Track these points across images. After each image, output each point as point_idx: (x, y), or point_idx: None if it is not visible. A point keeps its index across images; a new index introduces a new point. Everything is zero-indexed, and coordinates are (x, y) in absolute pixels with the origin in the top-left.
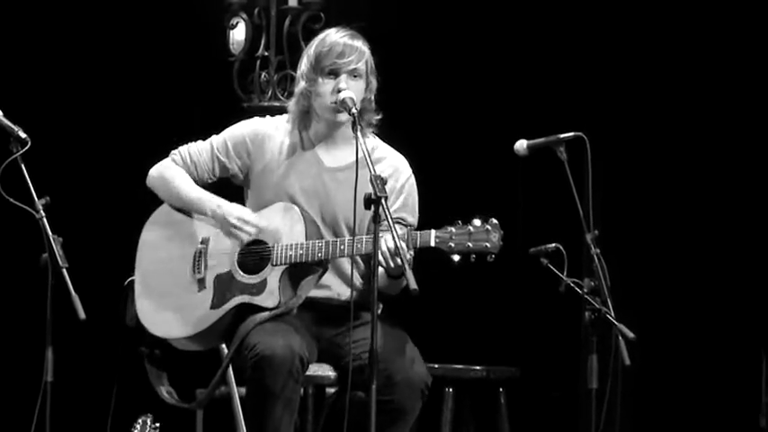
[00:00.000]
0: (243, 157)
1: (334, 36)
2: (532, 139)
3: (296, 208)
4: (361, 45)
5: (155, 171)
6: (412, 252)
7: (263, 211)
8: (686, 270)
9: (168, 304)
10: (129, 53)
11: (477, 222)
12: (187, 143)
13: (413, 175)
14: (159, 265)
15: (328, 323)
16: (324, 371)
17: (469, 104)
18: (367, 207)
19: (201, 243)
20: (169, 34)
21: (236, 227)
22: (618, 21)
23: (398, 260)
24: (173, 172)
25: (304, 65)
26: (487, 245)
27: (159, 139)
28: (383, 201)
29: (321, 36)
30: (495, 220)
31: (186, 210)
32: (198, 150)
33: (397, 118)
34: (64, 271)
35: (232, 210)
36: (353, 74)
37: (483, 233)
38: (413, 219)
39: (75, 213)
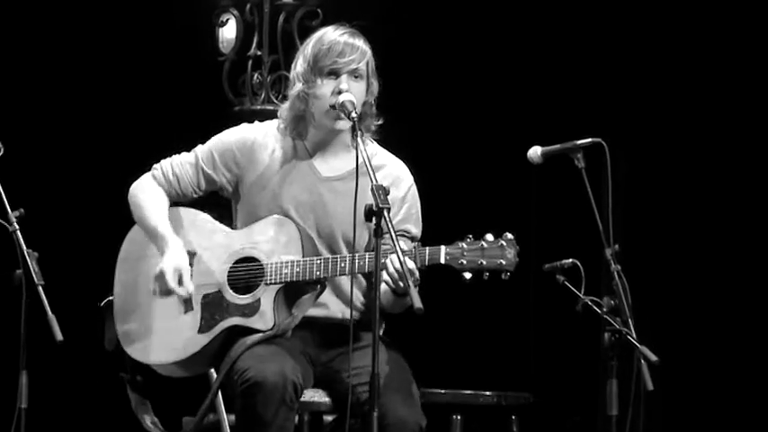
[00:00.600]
0: (231, 168)
1: (333, 34)
2: (547, 146)
3: (291, 222)
4: (362, 44)
5: (132, 189)
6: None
7: (254, 225)
8: (714, 288)
9: (151, 327)
10: (109, 53)
11: (490, 237)
12: (171, 154)
13: (414, 184)
14: (140, 284)
15: (325, 345)
16: (320, 397)
17: (478, 108)
18: (368, 219)
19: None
20: (153, 32)
21: (161, 275)
22: (640, 16)
23: (404, 278)
24: (146, 195)
25: (300, 65)
26: (502, 262)
27: (142, 147)
28: (385, 212)
29: (318, 34)
30: (510, 235)
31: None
32: (181, 163)
33: (398, 122)
34: (40, 289)
35: (169, 259)
36: (354, 74)
37: (497, 249)
38: (417, 230)
39: (52, 227)
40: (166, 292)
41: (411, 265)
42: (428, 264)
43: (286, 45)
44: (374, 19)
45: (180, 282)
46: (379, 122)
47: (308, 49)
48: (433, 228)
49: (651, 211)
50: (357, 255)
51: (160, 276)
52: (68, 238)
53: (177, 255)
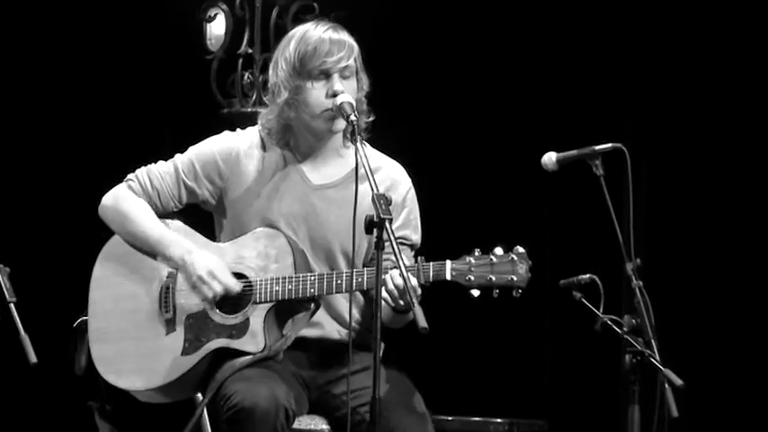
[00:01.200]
0: (214, 179)
1: (316, 32)
2: (563, 152)
3: (281, 234)
4: (348, 39)
5: (108, 200)
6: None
7: (241, 239)
8: (745, 307)
9: (130, 350)
10: (85, 50)
11: (499, 251)
12: (150, 162)
13: (413, 187)
14: (118, 304)
15: (321, 367)
16: (316, 424)
17: (487, 108)
18: (368, 231)
19: (168, 276)
20: (135, 28)
21: (202, 280)
22: (662, 14)
23: (407, 297)
24: (129, 203)
25: (282, 70)
26: (513, 278)
27: (120, 153)
28: (387, 224)
29: (298, 34)
30: (521, 249)
31: (144, 251)
32: (160, 174)
33: (398, 122)
34: (12, 306)
35: (203, 261)
36: (344, 73)
37: (507, 264)
38: (417, 237)
39: (24, 240)
40: (216, 292)
41: (414, 282)
42: (432, 280)
43: (279, 42)
44: (374, 11)
45: (224, 282)
46: (371, 119)
47: (288, 51)
48: (437, 240)
49: (676, 221)
50: (355, 271)
51: (208, 276)
52: (42, 252)
53: (210, 255)
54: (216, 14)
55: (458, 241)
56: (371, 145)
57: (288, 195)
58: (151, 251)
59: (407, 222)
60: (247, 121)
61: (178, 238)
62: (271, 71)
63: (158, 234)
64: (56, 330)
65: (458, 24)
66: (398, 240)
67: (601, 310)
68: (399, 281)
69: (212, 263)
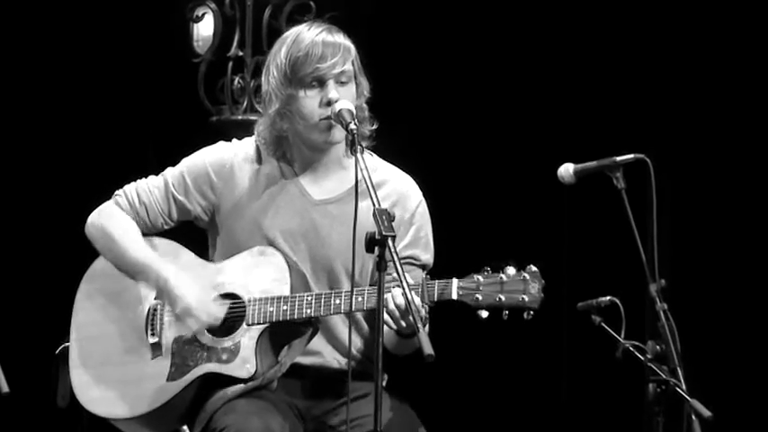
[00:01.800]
0: (206, 194)
1: (309, 35)
2: (581, 163)
3: (277, 252)
4: (343, 41)
5: (94, 219)
6: (427, 307)
7: (234, 257)
8: None
9: (113, 376)
10: (59, 55)
11: (511, 270)
12: (135, 177)
13: (424, 201)
14: (101, 328)
15: (317, 397)
16: None
17: (500, 117)
18: (369, 250)
19: (157, 297)
20: (115, 28)
21: (187, 312)
22: (685, 22)
23: (410, 319)
24: (114, 222)
25: (273, 77)
26: (525, 298)
27: (102, 168)
28: (390, 241)
29: (290, 38)
30: (534, 268)
31: (128, 275)
32: (148, 189)
33: (404, 132)
34: None
35: (182, 292)
36: (341, 78)
37: (519, 283)
38: (427, 256)
39: (1, 261)
40: (201, 326)
41: (418, 301)
42: (438, 299)
43: (272, 44)
44: (381, 9)
45: (209, 314)
46: (374, 127)
47: (279, 57)
48: (444, 257)
49: (703, 239)
50: (355, 290)
51: (185, 313)
52: (22, 273)
53: (189, 284)
54: (203, 14)
55: (466, 258)
56: (378, 155)
57: (286, 211)
58: (134, 275)
59: (416, 240)
60: (238, 129)
61: (159, 265)
62: (263, 78)
63: (141, 258)
64: (36, 358)
65: (470, 25)
66: (407, 260)
67: (622, 335)
68: (401, 300)
69: (194, 294)
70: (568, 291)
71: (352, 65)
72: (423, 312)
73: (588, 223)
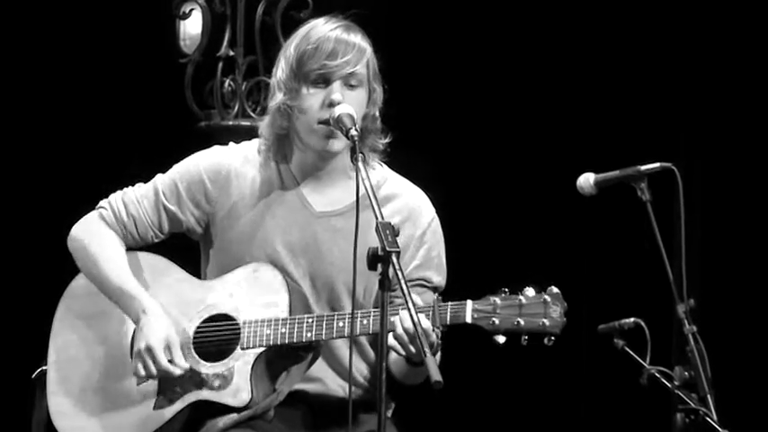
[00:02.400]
0: (200, 203)
1: (323, 29)
2: (602, 173)
3: (273, 269)
4: (359, 41)
5: (75, 231)
6: (439, 332)
7: (228, 275)
8: None
9: (94, 402)
10: (37, 53)
11: (530, 292)
12: (121, 186)
13: (437, 218)
14: (82, 350)
15: (318, 428)
16: None
17: (517, 126)
18: (372, 267)
19: (135, 323)
20: (94, 27)
21: (140, 355)
22: (713, 26)
23: (418, 344)
24: (96, 238)
25: (281, 70)
26: (545, 322)
27: (85, 176)
28: (394, 258)
29: (304, 29)
30: (555, 289)
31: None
32: (136, 199)
33: (415, 142)
34: None
35: (152, 329)
36: (350, 81)
37: (539, 306)
38: (440, 278)
39: None
40: (151, 373)
41: (426, 324)
42: (450, 323)
43: (266, 43)
44: (389, 12)
45: (171, 358)
46: (387, 140)
47: (290, 48)
48: (457, 277)
49: (736, 256)
50: (360, 312)
51: (146, 353)
52: None
53: (161, 323)
54: (191, 10)
55: (481, 278)
56: (390, 167)
57: (285, 223)
58: (110, 299)
59: (428, 261)
60: (228, 135)
61: (138, 293)
62: (273, 71)
63: (119, 282)
64: (10, 382)
65: (486, 32)
66: (418, 282)
67: (647, 360)
68: (410, 324)
69: (158, 335)
70: (589, 312)
71: (366, 68)
72: (433, 337)
73: (610, 238)
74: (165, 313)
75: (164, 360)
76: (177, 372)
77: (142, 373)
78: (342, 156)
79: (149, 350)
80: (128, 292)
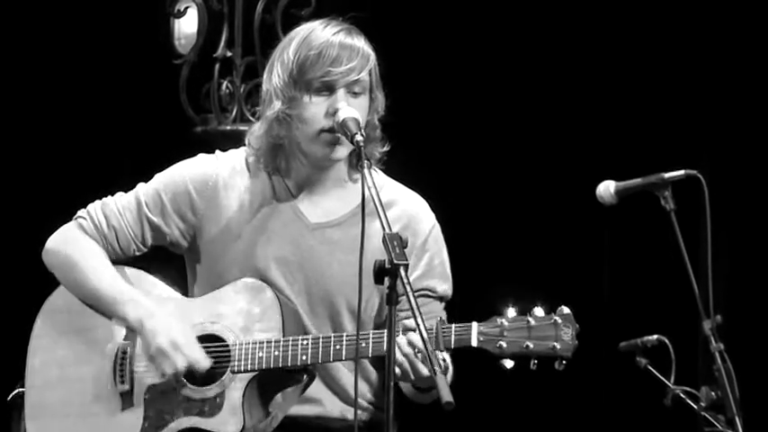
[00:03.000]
0: (186, 215)
1: (324, 33)
2: (623, 180)
3: (267, 287)
4: (363, 46)
5: (52, 243)
6: (445, 356)
7: (217, 292)
8: None
9: (75, 429)
10: (24, 52)
11: (539, 312)
12: (102, 195)
13: (437, 225)
14: (61, 372)
15: None
16: None
17: (529, 131)
18: (378, 281)
19: (126, 338)
20: (84, 25)
21: (162, 352)
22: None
23: (421, 369)
24: (78, 248)
25: (277, 76)
26: (556, 345)
27: (69, 184)
28: (402, 271)
29: (302, 33)
30: (566, 310)
31: (95, 309)
32: (118, 209)
33: (418, 149)
34: None
35: (164, 327)
36: (354, 88)
37: (549, 328)
38: (445, 287)
39: None
40: (177, 367)
41: (428, 347)
42: (455, 347)
43: (266, 43)
44: (390, 12)
45: (189, 355)
46: (385, 149)
47: (287, 53)
48: (461, 296)
49: (765, 269)
50: (360, 334)
51: (170, 347)
52: None
53: (174, 321)
54: (186, 8)
55: (487, 297)
56: (386, 174)
57: (278, 236)
58: (102, 310)
59: (431, 269)
60: (226, 142)
61: (136, 296)
62: (265, 75)
63: (112, 289)
64: None
65: (491, 31)
66: (422, 293)
67: (672, 379)
68: (409, 350)
69: (175, 331)
70: (609, 328)
71: (370, 75)
72: (441, 360)
73: (631, 250)
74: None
75: (194, 350)
76: (206, 364)
77: (169, 371)
78: (338, 165)
79: (173, 344)
80: (126, 297)
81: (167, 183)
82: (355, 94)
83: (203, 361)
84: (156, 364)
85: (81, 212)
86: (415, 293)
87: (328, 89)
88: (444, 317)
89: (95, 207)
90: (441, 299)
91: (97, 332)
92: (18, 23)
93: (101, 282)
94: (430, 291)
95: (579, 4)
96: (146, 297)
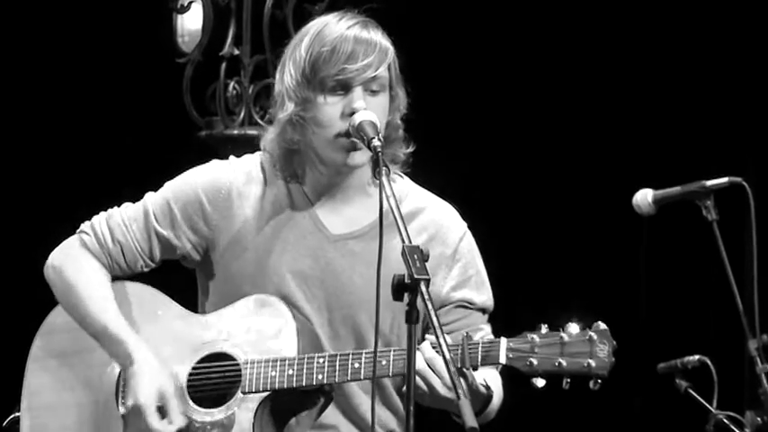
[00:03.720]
0: (198, 226)
1: (337, 27)
2: (662, 189)
3: (282, 304)
4: (380, 39)
5: (54, 260)
6: (471, 375)
7: (229, 309)
8: None
9: None
10: (18, 53)
11: (573, 328)
12: (106, 207)
13: (469, 233)
14: (60, 395)
15: None
16: None
17: (563, 137)
18: (397, 297)
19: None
20: (81, 23)
21: (139, 411)
22: None
23: (443, 389)
24: (77, 269)
25: (290, 75)
26: (591, 363)
27: (68, 194)
28: (422, 286)
29: (315, 28)
30: (602, 325)
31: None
32: (124, 221)
33: (441, 152)
34: None
35: (146, 378)
36: (372, 86)
37: (584, 344)
38: (483, 297)
39: None
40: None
41: (449, 368)
42: (482, 364)
43: (276, 41)
44: (408, 5)
45: (165, 416)
46: (409, 150)
47: (300, 51)
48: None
49: None
50: (379, 351)
51: (136, 413)
52: None
53: (152, 374)
54: (190, 3)
55: (517, 312)
56: (413, 180)
57: (296, 248)
58: (94, 339)
59: (466, 279)
60: (233, 147)
61: (125, 336)
62: (277, 75)
63: (103, 323)
64: None
65: (524, 35)
66: (459, 304)
67: (714, 403)
68: (426, 367)
69: (150, 389)
70: (647, 348)
71: (389, 71)
72: (465, 382)
73: (671, 263)
74: (156, 355)
75: (155, 422)
76: (172, 431)
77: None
78: (360, 170)
79: (139, 409)
80: (113, 335)
81: (177, 192)
82: (373, 93)
83: (167, 430)
84: (133, 423)
85: (84, 226)
86: (452, 305)
87: (344, 88)
88: (489, 330)
89: (100, 220)
90: (482, 311)
91: (96, 354)
92: (12, 23)
93: (94, 311)
94: (467, 303)
95: (622, 8)
96: (136, 336)
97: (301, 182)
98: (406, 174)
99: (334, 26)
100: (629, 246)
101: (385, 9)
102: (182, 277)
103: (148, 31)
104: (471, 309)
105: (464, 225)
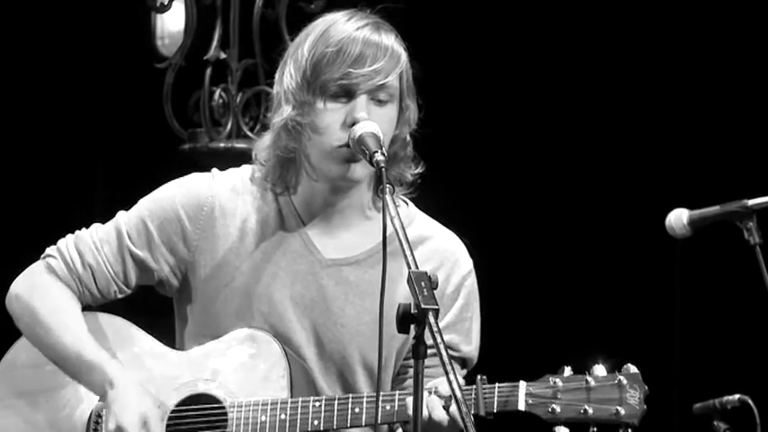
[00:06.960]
0: (176, 247)
1: (346, 27)
2: (698, 209)
3: (272, 338)
4: (392, 44)
5: (17, 287)
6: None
7: (213, 344)
8: None
9: None
10: None
11: (600, 370)
12: (75, 228)
13: (474, 274)
14: None
15: None
16: None
17: (585, 155)
18: (403, 329)
19: (101, 399)
20: (52, 24)
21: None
22: None
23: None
24: (43, 295)
25: (289, 76)
26: (620, 411)
27: (35, 214)
28: (431, 317)
29: (321, 27)
30: (633, 368)
31: (60, 368)
32: (94, 244)
33: (450, 171)
34: None
35: (129, 402)
36: (379, 95)
37: (612, 389)
38: (470, 348)
39: None
40: None
41: (461, 409)
42: (498, 410)
43: (267, 44)
44: (424, 6)
45: None
46: (418, 171)
47: (303, 49)
48: (506, 350)
49: None
50: (382, 395)
51: None
52: None
53: (134, 397)
54: (171, 1)
55: (538, 352)
56: (417, 206)
57: (287, 274)
58: (68, 373)
59: (459, 323)
60: (219, 161)
61: (102, 360)
62: (276, 77)
63: (76, 350)
64: None
65: (552, 37)
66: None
67: None
68: (441, 414)
69: (133, 412)
70: (682, 387)
71: (400, 80)
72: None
73: (708, 292)
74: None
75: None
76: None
77: None
78: (360, 189)
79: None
80: (88, 360)
81: (154, 209)
82: (380, 102)
83: None
84: None
85: (50, 250)
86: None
87: (347, 94)
88: (483, 379)
89: (67, 242)
90: (462, 362)
91: (65, 393)
92: None
93: (65, 338)
94: (451, 348)
95: (660, 19)
96: (116, 363)
97: (293, 196)
98: (411, 199)
99: (343, 25)
100: (661, 273)
101: (404, 9)
102: (157, 303)
103: (124, 33)
104: (454, 356)
105: (471, 263)
